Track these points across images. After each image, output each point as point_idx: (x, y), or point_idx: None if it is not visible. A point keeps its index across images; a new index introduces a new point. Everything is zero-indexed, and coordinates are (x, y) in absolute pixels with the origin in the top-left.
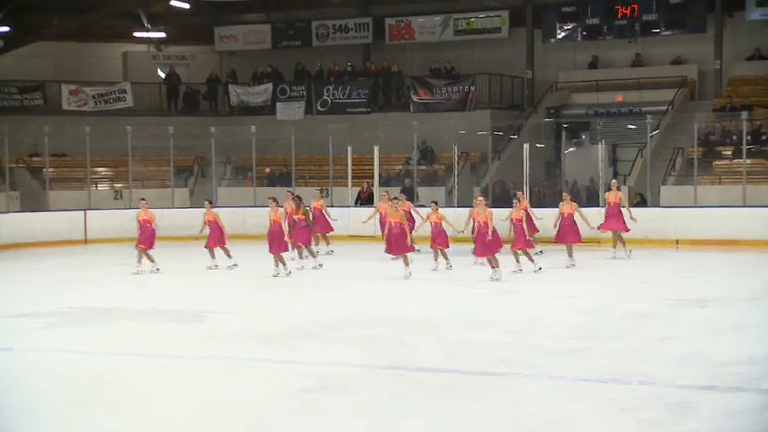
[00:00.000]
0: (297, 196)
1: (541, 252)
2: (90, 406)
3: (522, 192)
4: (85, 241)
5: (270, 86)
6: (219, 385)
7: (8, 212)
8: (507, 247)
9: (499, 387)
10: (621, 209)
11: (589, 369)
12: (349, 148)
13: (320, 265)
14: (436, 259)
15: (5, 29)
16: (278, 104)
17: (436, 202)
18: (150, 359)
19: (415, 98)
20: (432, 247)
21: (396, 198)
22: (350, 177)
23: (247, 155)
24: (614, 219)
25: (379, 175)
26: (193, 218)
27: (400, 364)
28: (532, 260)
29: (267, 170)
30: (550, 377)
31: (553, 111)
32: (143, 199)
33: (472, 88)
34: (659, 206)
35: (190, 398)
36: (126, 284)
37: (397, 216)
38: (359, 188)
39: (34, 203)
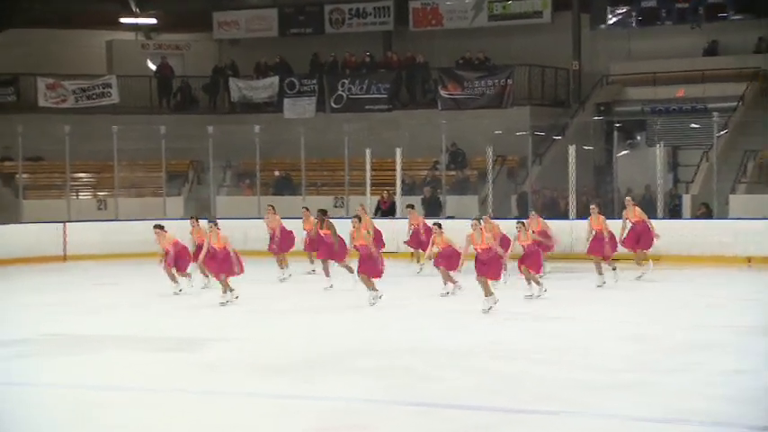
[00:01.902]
0: (321, 210)
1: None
2: None
3: (525, 222)
4: (65, 257)
5: (276, 80)
6: (220, 424)
7: None
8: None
9: (538, 427)
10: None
11: (643, 407)
12: (367, 151)
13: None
14: (446, 283)
15: None
16: (285, 100)
17: (440, 225)
18: (142, 394)
19: (443, 93)
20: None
21: (356, 217)
22: (368, 185)
23: (250, 159)
24: (641, 236)
25: (402, 181)
26: (186, 229)
27: (424, 399)
28: (539, 283)
29: (276, 173)
30: (598, 416)
31: (603, 107)
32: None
33: (509, 82)
34: (727, 218)
35: None
36: (113, 307)
37: (360, 239)
38: (378, 197)
39: (6, 214)
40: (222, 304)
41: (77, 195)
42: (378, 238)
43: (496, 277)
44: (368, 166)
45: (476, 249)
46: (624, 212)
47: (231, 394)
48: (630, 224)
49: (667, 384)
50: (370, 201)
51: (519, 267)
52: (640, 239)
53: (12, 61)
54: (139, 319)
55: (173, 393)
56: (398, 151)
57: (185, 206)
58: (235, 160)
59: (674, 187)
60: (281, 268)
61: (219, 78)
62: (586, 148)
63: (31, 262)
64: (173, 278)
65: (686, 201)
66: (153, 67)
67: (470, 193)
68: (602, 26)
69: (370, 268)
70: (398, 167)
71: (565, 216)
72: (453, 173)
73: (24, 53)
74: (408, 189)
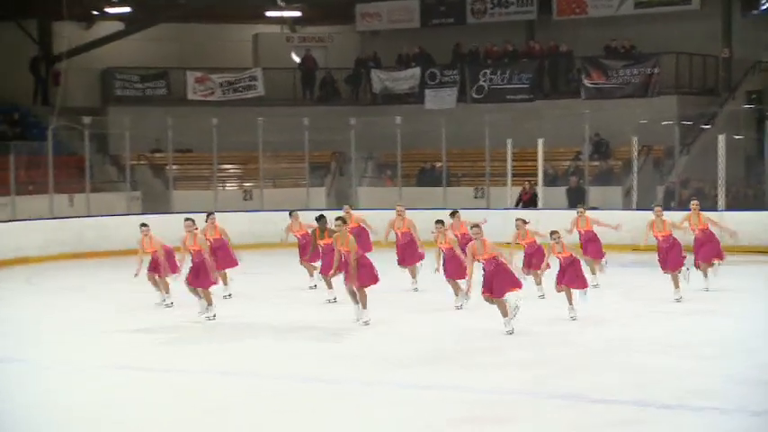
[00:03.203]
0: (321, 216)
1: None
2: None
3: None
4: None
5: (418, 71)
6: (358, 413)
7: (129, 214)
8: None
9: (691, 423)
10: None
11: None
12: (509, 142)
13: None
14: (457, 293)
15: (126, 10)
16: (427, 91)
17: (442, 222)
18: (279, 382)
19: (587, 82)
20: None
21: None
22: (509, 176)
23: (391, 150)
24: (706, 246)
25: (544, 172)
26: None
27: (571, 392)
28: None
29: (438, 164)
30: (754, 414)
31: (755, 96)
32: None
33: (656, 70)
34: None
35: (324, 428)
36: (254, 297)
37: (345, 244)
38: (520, 188)
39: (156, 204)
40: (209, 318)
41: (224, 186)
42: (365, 239)
43: (499, 295)
44: (509, 157)
45: (479, 260)
46: (688, 216)
47: (374, 384)
48: (693, 232)
49: None
50: (511, 192)
51: (558, 285)
52: (701, 250)
53: (162, 55)
54: (278, 309)
55: (311, 383)
56: (540, 142)
57: (327, 197)
58: (376, 151)
59: None
60: (311, 276)
61: (362, 70)
62: (737, 137)
63: (180, 251)
64: (163, 288)
65: None
66: (297, 59)
67: (614, 183)
68: (755, 12)
69: (361, 276)
70: (540, 158)
71: (713, 208)
72: (596, 163)
73: (174, 47)
74: (550, 180)
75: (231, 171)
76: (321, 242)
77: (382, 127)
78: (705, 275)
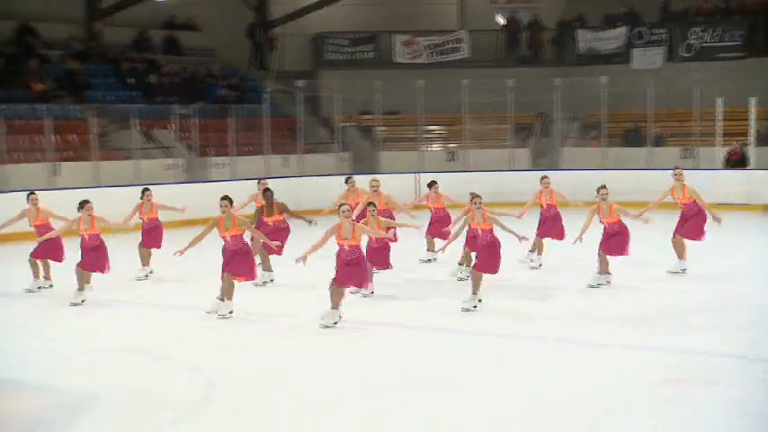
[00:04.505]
0: (267, 189)
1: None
2: (389, 390)
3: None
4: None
5: (624, 30)
6: (565, 371)
7: (337, 175)
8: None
9: None
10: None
11: None
12: (719, 101)
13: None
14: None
15: None
16: (633, 51)
17: (374, 204)
18: (478, 338)
19: None
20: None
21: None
22: (719, 135)
23: (596, 110)
24: (688, 222)
25: (757, 132)
26: (532, 181)
27: None
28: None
29: (654, 131)
30: None
31: None
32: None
33: None
34: None
35: (527, 382)
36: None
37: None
38: (728, 148)
39: (364, 165)
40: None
41: (429, 147)
42: None
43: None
44: (719, 116)
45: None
46: (672, 189)
47: (577, 343)
48: (682, 206)
49: None
50: (719, 152)
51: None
52: (686, 227)
53: (370, 20)
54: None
55: (513, 339)
56: (752, 100)
57: (532, 158)
58: (581, 112)
59: None
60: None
61: (567, 30)
62: None
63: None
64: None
65: None
66: (502, 21)
67: None
68: None
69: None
70: (753, 117)
71: None
72: None
73: (381, 11)
74: (763, 139)
75: (436, 132)
76: (269, 219)
77: (587, 87)
78: (680, 257)
